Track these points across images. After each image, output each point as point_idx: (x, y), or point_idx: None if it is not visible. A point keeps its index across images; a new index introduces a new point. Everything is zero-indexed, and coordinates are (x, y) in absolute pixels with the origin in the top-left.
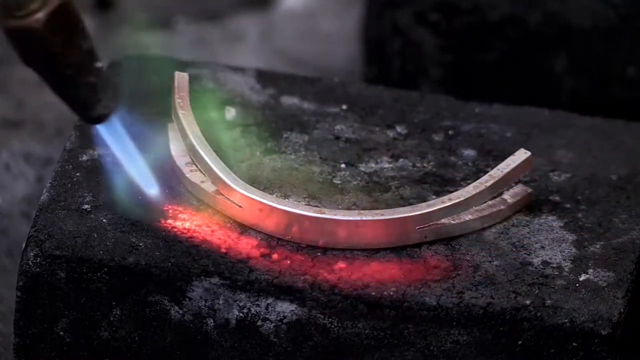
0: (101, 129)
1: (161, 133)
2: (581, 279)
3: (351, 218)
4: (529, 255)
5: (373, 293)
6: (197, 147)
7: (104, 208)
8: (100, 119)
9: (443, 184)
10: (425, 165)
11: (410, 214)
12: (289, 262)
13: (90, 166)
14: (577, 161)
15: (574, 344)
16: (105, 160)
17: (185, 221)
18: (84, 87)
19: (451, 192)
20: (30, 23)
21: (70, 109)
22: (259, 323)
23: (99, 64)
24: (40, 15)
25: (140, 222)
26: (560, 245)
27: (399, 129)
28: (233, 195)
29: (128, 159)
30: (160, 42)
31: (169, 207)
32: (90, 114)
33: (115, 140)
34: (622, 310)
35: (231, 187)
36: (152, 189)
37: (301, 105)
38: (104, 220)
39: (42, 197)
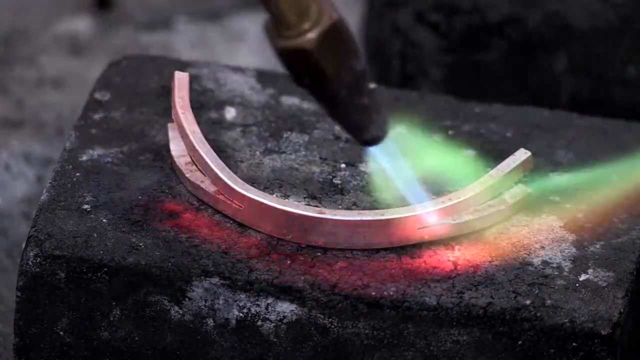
0: (375, 150)
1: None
2: (581, 279)
3: (351, 218)
4: (529, 255)
5: (373, 293)
6: (197, 147)
7: (104, 208)
8: (375, 141)
9: (443, 184)
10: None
11: (410, 214)
12: (289, 262)
13: (90, 166)
14: (577, 161)
15: (574, 344)
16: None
17: (185, 221)
18: (357, 109)
19: (451, 192)
20: (302, 43)
21: (344, 130)
22: (259, 323)
23: (372, 85)
24: (312, 35)
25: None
26: (560, 245)
27: (399, 129)
28: (233, 195)
29: (404, 181)
30: (160, 42)
31: (169, 207)
32: (364, 136)
33: (390, 161)
34: (622, 310)
35: (231, 187)
36: (423, 208)
37: (301, 105)
38: (104, 220)
39: (42, 197)
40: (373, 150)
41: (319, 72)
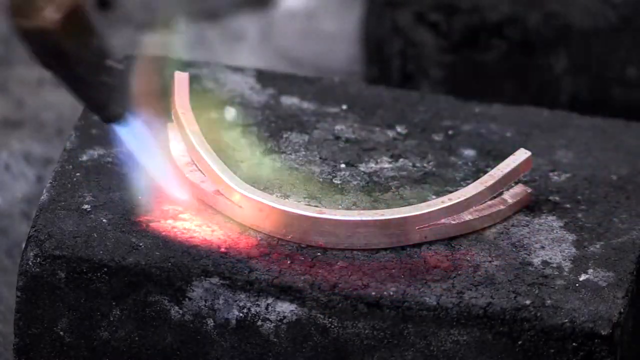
0: (118, 128)
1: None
2: (581, 279)
3: (351, 218)
4: (529, 255)
5: (373, 293)
6: (197, 147)
7: (104, 208)
8: (117, 118)
9: (443, 184)
10: (425, 165)
11: (410, 214)
12: (289, 262)
13: (91, 166)
14: (577, 161)
15: (574, 344)
16: (119, 158)
17: (185, 221)
18: (98, 87)
19: (451, 192)
20: (42, 23)
21: (87, 109)
22: (259, 323)
23: (112, 63)
24: (53, 15)
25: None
26: (560, 245)
27: (399, 129)
28: (233, 195)
29: (147, 158)
30: (160, 42)
31: (169, 207)
32: (106, 113)
33: (133, 139)
34: (622, 310)
35: (231, 187)
36: (171, 188)
37: (301, 105)
38: (104, 220)
39: (42, 197)
40: (117, 128)
41: (59, 51)
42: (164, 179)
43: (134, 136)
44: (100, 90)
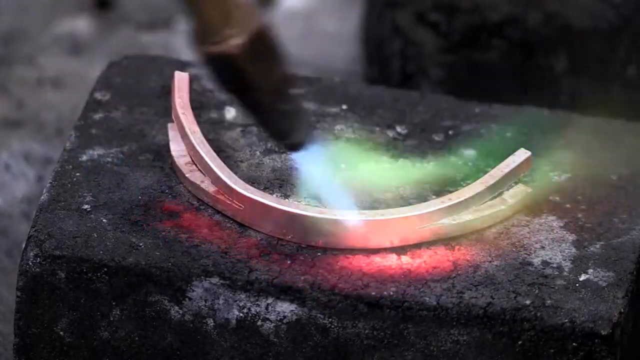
0: (298, 155)
1: None
2: (581, 279)
3: (351, 218)
4: (529, 255)
5: (373, 293)
6: (197, 147)
7: (104, 208)
8: (297, 146)
9: (443, 184)
10: (425, 165)
11: (410, 214)
12: (289, 262)
13: (91, 166)
14: (577, 161)
15: (574, 344)
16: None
17: (185, 221)
18: (280, 115)
19: (451, 192)
20: (227, 49)
21: (268, 135)
22: (259, 323)
23: (296, 91)
24: (238, 40)
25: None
26: (560, 245)
27: (399, 129)
28: (233, 195)
29: (325, 184)
30: (160, 42)
31: (169, 207)
32: (287, 141)
33: (313, 167)
34: (622, 310)
35: (231, 187)
36: (345, 214)
37: None
38: (104, 220)
39: (42, 197)
40: (298, 156)
41: (243, 78)
42: (339, 204)
43: (314, 163)
44: (284, 118)
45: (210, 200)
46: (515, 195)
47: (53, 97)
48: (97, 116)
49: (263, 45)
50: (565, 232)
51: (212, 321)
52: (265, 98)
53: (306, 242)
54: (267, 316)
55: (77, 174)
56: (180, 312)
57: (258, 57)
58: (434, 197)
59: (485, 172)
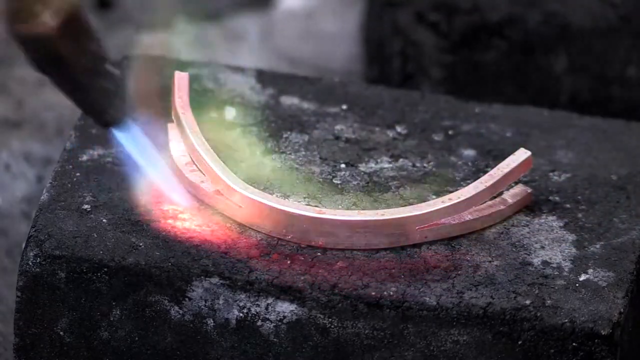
0: (116, 132)
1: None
2: (581, 279)
3: (351, 218)
4: (529, 255)
5: (373, 293)
6: (197, 147)
7: (104, 208)
8: (115, 122)
9: (443, 184)
10: (425, 165)
11: (410, 214)
12: (289, 262)
13: (91, 166)
14: (577, 161)
15: (574, 344)
16: (118, 160)
17: (185, 221)
18: (96, 92)
19: (451, 192)
20: (40, 29)
21: (84, 113)
22: (259, 323)
23: (110, 68)
24: (49, 20)
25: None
26: (560, 245)
27: (399, 129)
28: (233, 195)
29: (145, 162)
30: (160, 42)
31: (169, 207)
32: (104, 118)
33: (131, 143)
34: (622, 310)
35: (231, 187)
36: (172, 191)
37: (301, 105)
38: (104, 220)
39: (42, 197)
40: (116, 132)
41: (57, 57)
42: (162, 182)
43: (132, 140)
44: (98, 94)
45: (210, 200)
46: (515, 195)
47: (53, 97)
48: None
49: (76, 24)
50: (565, 232)
51: (212, 321)
52: (80, 76)
53: (306, 242)
54: (267, 316)
55: (77, 174)
56: (180, 312)
57: (71, 36)
58: (434, 197)
59: (485, 172)
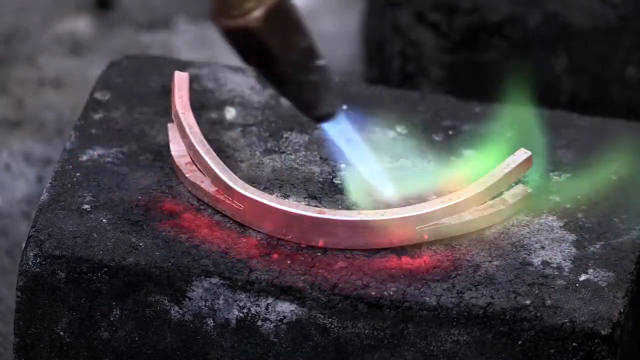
0: (327, 127)
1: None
2: (581, 279)
3: (351, 218)
4: (529, 255)
5: (373, 293)
6: (197, 147)
7: (104, 208)
8: (325, 117)
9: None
10: (425, 165)
11: (410, 214)
12: (289, 262)
13: (91, 166)
14: (577, 161)
15: (574, 344)
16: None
17: (185, 221)
18: (305, 86)
19: (451, 192)
20: (247, 22)
21: (295, 107)
22: (259, 323)
23: (320, 62)
24: (257, 13)
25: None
26: (560, 245)
27: (399, 129)
28: (233, 195)
29: (355, 155)
30: (160, 42)
31: (169, 207)
32: (314, 112)
33: (343, 138)
34: (622, 310)
35: (231, 187)
36: (385, 187)
37: None
38: (104, 220)
39: (42, 197)
40: (326, 126)
41: (265, 51)
42: (372, 175)
43: (343, 134)
44: (309, 89)
45: (210, 200)
46: (515, 195)
47: (53, 97)
48: (97, 116)
49: (283, 17)
50: (565, 232)
51: (212, 321)
52: (288, 70)
53: (306, 242)
54: (267, 316)
55: (77, 174)
56: (180, 312)
57: (278, 30)
58: (434, 197)
59: (485, 172)
